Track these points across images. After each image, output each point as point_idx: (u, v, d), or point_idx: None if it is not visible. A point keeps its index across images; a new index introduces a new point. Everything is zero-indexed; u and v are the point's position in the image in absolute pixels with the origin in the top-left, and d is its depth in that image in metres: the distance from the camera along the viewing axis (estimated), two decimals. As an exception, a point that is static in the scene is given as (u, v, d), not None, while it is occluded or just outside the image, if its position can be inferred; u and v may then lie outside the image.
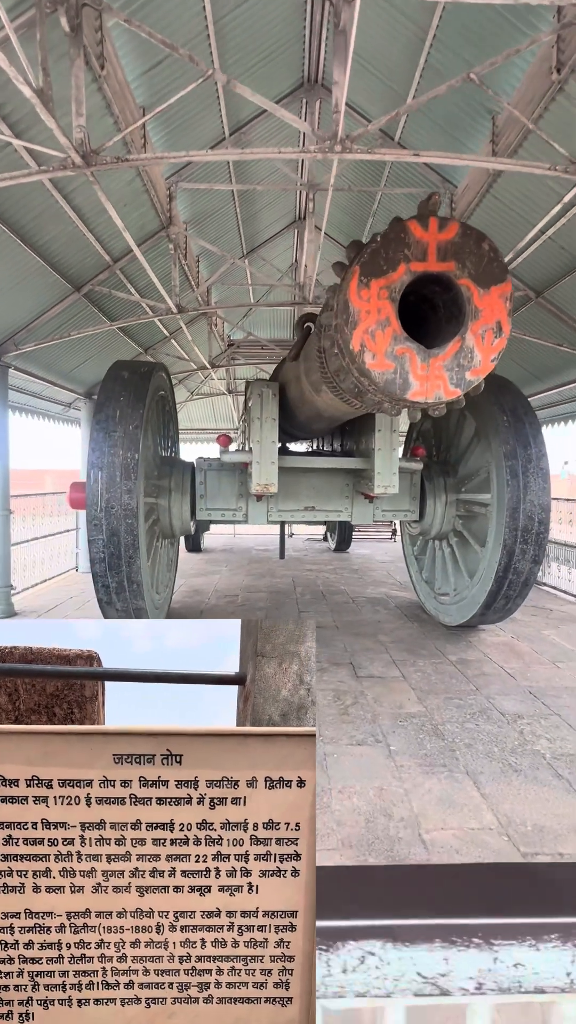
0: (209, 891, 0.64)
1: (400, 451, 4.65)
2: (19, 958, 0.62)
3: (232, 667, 1.03)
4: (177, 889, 0.64)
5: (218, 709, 1.01)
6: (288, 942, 0.65)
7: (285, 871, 0.65)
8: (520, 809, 2.58)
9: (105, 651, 0.99)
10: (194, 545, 10.43)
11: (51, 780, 0.62)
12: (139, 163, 3.09)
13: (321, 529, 14.33)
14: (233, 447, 4.98)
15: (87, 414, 8.54)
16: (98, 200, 3.86)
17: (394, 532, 14.34)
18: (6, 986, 0.62)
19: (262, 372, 12.00)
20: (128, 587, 4.27)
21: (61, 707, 0.97)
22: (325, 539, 13.50)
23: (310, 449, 6.72)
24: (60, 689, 0.97)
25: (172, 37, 3.51)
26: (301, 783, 0.65)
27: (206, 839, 0.64)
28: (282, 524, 9.31)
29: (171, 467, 5.22)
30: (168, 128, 4.86)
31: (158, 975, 0.64)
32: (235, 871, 0.65)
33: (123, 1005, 0.64)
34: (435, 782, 2.79)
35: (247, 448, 6.80)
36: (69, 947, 0.63)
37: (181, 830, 0.64)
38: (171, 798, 0.63)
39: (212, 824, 0.64)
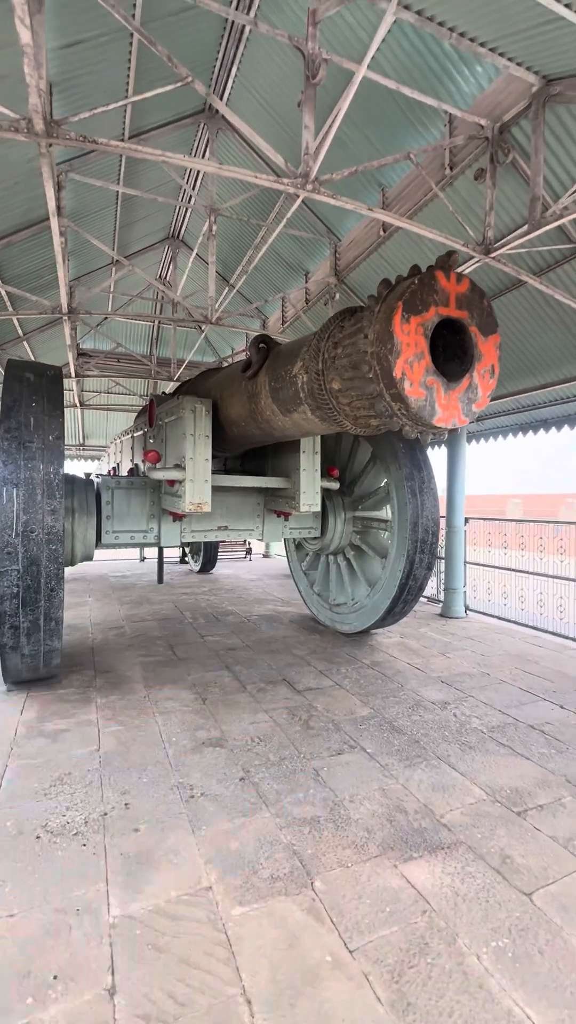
0: None
1: (320, 472, 4.95)
2: None
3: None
4: None
5: None
6: None
7: None
8: (493, 778, 3.01)
9: None
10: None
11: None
12: (105, 149, 2.78)
13: (176, 551, 13.88)
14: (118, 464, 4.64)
15: None
16: None
17: (248, 551, 14.74)
18: None
19: (120, 386, 11.27)
20: (45, 626, 3.60)
21: None
22: (183, 561, 13.11)
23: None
24: None
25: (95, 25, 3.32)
26: None
27: None
28: (160, 549, 8.84)
29: (71, 485, 4.59)
30: (72, 99, 4.40)
31: None
32: None
33: None
34: (421, 772, 3.06)
35: (134, 464, 6.38)
36: None
37: None
38: None
39: None
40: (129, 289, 8.88)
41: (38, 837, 2.44)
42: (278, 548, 15.89)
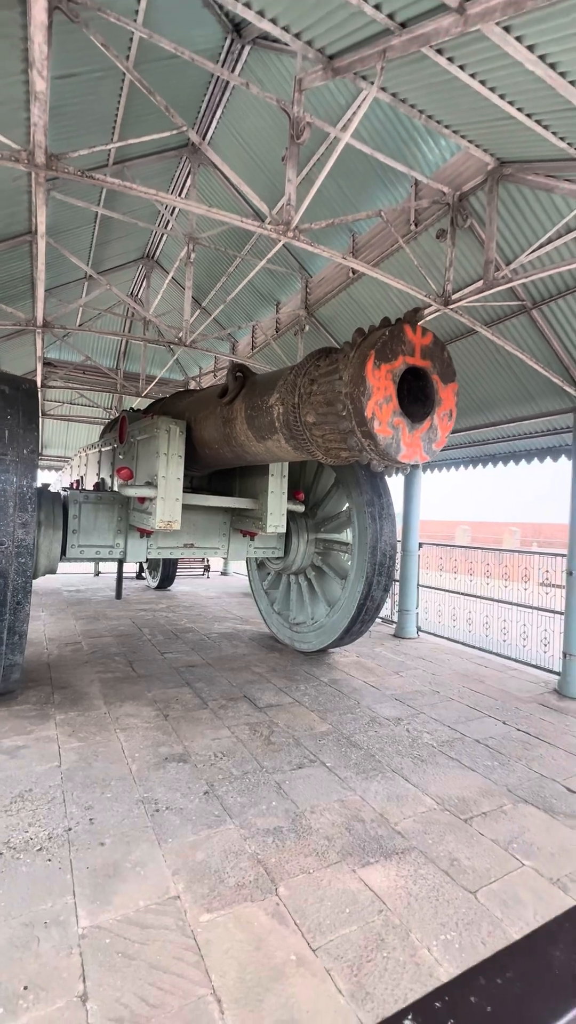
0: None
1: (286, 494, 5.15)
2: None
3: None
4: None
5: None
6: None
7: None
8: (442, 789, 3.23)
9: None
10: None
11: None
12: (101, 183, 2.93)
13: (133, 567, 13.64)
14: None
15: None
16: None
17: (206, 569, 14.69)
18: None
19: (84, 398, 11.15)
20: (8, 639, 3.56)
21: None
22: (140, 577, 12.90)
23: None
24: None
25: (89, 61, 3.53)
26: None
27: None
28: (120, 563, 8.73)
29: (39, 497, 4.57)
30: (63, 129, 4.54)
31: None
32: None
33: None
34: (377, 784, 3.24)
35: (100, 479, 6.38)
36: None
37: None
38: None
39: None
40: (99, 303, 8.91)
41: (0, 854, 2.42)
42: (236, 566, 15.91)
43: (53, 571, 4.73)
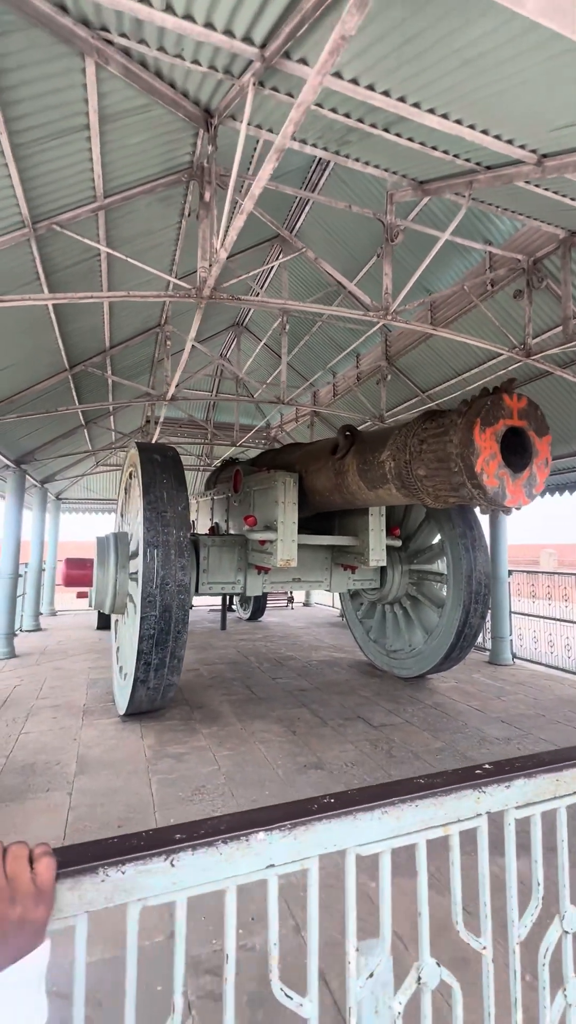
0: None
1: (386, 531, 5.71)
2: None
3: None
4: None
5: None
6: None
7: None
8: (562, 799, 3.52)
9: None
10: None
11: None
12: (246, 303, 3.81)
13: (215, 600, 14.59)
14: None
15: (14, 485, 7.98)
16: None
17: (290, 600, 15.38)
18: None
19: (182, 449, 12.43)
20: (170, 663, 4.35)
21: None
22: (230, 609, 13.81)
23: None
24: None
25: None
26: None
27: None
28: (224, 598, 9.58)
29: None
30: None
31: None
32: None
33: None
34: (498, 792, 3.60)
35: (214, 523, 7.24)
36: None
37: None
38: None
39: None
40: (196, 365, 10.16)
41: (199, 830, 3.08)
42: (317, 597, 16.47)
43: (190, 606, 5.56)
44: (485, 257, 5.40)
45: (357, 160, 3.57)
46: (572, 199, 3.40)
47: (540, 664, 7.59)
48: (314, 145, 3.44)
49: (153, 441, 9.27)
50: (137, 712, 4.88)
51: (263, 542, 5.27)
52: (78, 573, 5.01)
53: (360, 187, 5.28)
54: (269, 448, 10.52)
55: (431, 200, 4.78)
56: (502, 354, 5.15)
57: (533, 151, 2.70)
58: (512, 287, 5.22)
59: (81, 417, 8.28)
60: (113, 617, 6.28)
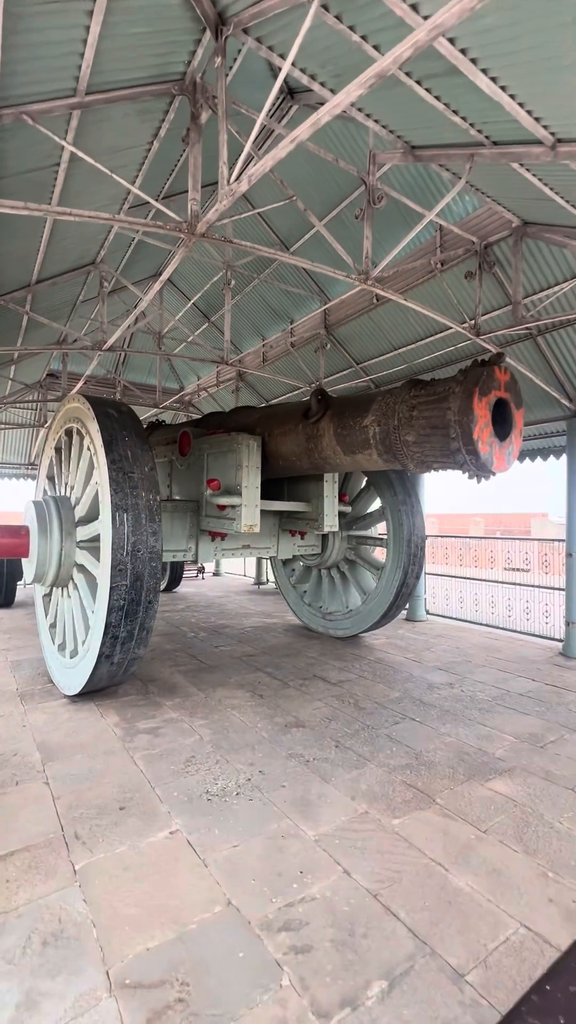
0: None
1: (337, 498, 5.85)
2: None
3: None
4: None
5: None
6: None
7: None
8: (514, 728, 4.06)
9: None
10: None
11: None
12: (238, 247, 3.51)
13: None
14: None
15: None
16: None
17: (200, 570, 15.11)
18: None
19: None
20: (139, 635, 4.06)
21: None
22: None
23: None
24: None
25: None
26: None
27: None
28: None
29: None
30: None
31: None
32: None
33: None
34: (463, 729, 4.02)
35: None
36: None
37: None
38: None
39: None
40: (107, 316, 9.20)
41: (209, 800, 2.99)
42: (227, 566, 16.41)
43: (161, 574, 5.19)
44: (436, 234, 5.63)
45: (360, 110, 3.44)
46: (551, 188, 3.68)
47: (449, 618, 8.50)
48: (322, 84, 3.24)
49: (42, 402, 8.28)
50: (93, 690, 4.50)
51: (223, 507, 5.08)
52: (11, 542, 4.36)
53: (339, 140, 5.10)
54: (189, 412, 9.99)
55: (404, 167, 4.81)
56: (446, 331, 5.47)
57: (553, 133, 2.85)
58: (463, 267, 5.53)
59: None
60: (39, 591, 5.64)
